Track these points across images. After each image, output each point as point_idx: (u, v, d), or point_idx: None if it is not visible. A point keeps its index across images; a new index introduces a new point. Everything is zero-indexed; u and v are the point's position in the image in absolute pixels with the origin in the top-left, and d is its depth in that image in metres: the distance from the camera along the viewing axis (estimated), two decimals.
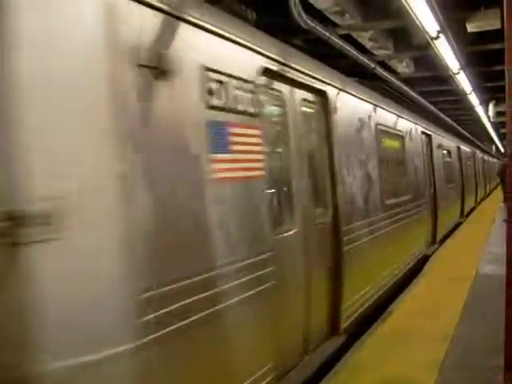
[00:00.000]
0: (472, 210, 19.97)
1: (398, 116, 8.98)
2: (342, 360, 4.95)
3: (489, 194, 30.49)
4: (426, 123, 12.18)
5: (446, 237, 12.81)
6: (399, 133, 8.95)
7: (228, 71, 3.56)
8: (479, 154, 27.29)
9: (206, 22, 3.40)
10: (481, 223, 15.42)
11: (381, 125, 7.48)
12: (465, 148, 19.75)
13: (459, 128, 22.83)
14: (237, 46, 3.79)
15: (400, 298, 7.21)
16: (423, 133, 11.41)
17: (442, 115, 17.50)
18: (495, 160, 42.44)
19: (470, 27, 7.79)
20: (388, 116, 8.18)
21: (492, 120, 17.95)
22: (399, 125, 8.95)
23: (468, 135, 26.82)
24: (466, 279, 7.92)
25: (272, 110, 4.53)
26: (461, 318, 6.06)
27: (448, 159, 15.10)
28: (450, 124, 19.82)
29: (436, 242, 11.68)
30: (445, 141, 14.70)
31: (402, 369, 4.69)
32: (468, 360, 4.84)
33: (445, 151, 14.48)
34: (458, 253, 10.55)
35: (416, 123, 10.61)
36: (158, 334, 2.71)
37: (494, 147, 42.75)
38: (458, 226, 15.10)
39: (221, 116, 3.46)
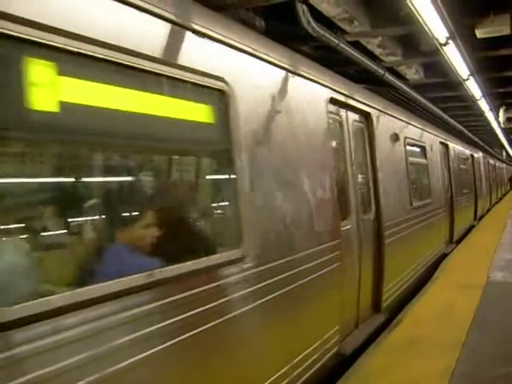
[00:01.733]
0: (485, 214, 20.40)
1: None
2: (352, 368, 4.93)
3: (500, 199, 30.40)
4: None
5: (462, 237, 13.73)
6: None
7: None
8: (490, 160, 27.37)
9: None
10: (492, 227, 15.96)
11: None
12: (477, 155, 20.51)
13: (469, 134, 22.71)
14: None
15: (410, 304, 7.17)
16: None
17: (452, 121, 17.41)
18: (504, 165, 42.23)
19: (479, 33, 7.75)
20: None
21: (502, 126, 17.85)
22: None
23: (478, 141, 26.68)
24: (477, 286, 7.86)
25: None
26: (472, 325, 6.01)
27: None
28: (460, 130, 19.73)
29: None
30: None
31: (413, 377, 4.66)
32: (479, 368, 4.80)
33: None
34: (470, 259, 10.48)
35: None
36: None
37: (504, 153, 42.46)
38: (471, 228, 15.94)
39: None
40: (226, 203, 3.93)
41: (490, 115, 16.84)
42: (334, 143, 5.66)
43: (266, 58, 4.29)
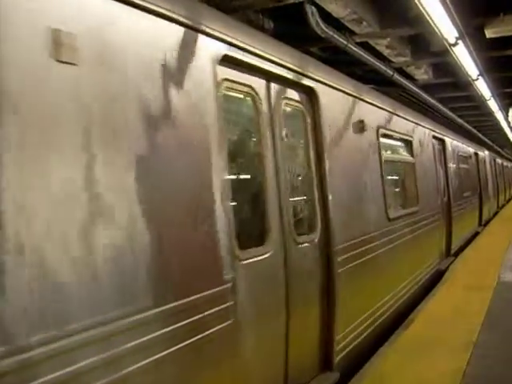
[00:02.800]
0: (492, 217, 19.34)
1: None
2: (363, 370, 4.93)
3: (509, 201, 30.02)
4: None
5: (463, 248, 12.11)
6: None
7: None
8: (499, 160, 26.83)
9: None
10: (500, 234, 14.49)
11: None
12: (482, 154, 19.13)
13: (479, 134, 22.62)
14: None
15: (420, 306, 7.16)
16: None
17: (461, 121, 17.36)
18: None
19: (489, 33, 7.73)
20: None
21: None
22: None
23: (487, 141, 26.55)
24: (487, 288, 7.83)
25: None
26: (482, 326, 5.99)
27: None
28: (469, 130, 19.66)
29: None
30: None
31: (424, 378, 4.65)
32: (490, 369, 4.78)
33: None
34: (478, 261, 10.43)
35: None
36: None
37: None
38: (475, 235, 14.46)
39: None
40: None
41: (499, 115, 16.78)
42: (225, 132, 3.55)
43: None
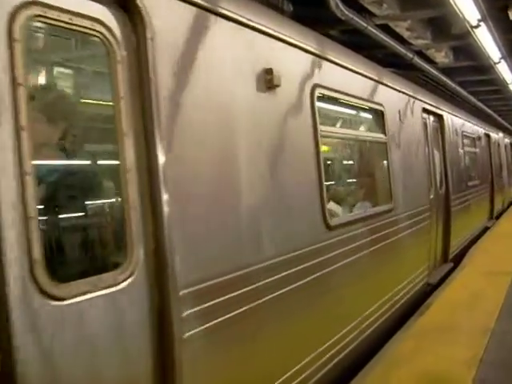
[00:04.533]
0: (506, 208, 17.43)
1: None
2: (379, 353, 4.93)
3: None
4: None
5: (467, 248, 10.14)
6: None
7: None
8: None
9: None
10: None
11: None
12: (495, 135, 16.60)
13: (499, 118, 22.29)
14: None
15: (438, 290, 7.13)
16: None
17: (480, 105, 17.10)
18: None
19: None
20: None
21: None
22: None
23: (508, 125, 26.15)
24: (507, 273, 7.76)
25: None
26: (501, 312, 5.95)
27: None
28: (489, 114, 19.37)
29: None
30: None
31: (441, 363, 4.65)
32: (508, 355, 4.76)
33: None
34: (497, 247, 10.34)
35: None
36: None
37: None
38: (485, 231, 12.63)
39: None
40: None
41: None
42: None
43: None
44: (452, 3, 6.33)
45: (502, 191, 16.64)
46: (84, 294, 2.30)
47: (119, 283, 2.46)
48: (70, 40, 2.78)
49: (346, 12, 6.44)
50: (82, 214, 2.79)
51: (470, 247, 10.26)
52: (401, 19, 8.06)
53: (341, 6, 6.25)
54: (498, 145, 17.26)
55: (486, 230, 12.83)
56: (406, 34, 8.82)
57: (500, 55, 9.63)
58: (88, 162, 2.97)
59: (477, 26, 7.33)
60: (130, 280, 2.51)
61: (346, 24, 7.01)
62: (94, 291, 2.34)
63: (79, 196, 2.75)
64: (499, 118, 22.38)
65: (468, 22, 7.15)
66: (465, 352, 4.82)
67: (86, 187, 2.81)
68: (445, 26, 8.93)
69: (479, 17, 6.96)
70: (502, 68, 10.96)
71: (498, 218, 15.05)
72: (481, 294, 6.77)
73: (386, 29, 8.16)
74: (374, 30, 7.54)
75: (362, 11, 7.15)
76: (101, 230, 2.83)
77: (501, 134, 18.65)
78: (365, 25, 7.15)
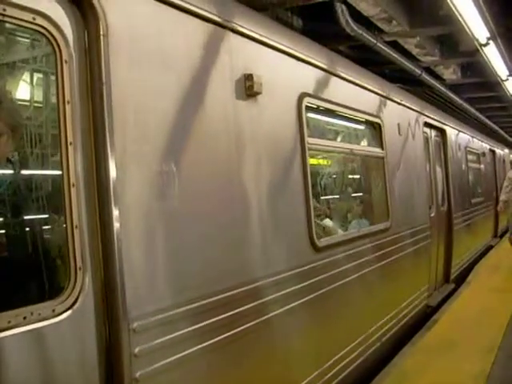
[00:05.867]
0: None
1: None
2: (386, 368, 4.94)
3: None
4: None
5: (470, 269, 9.72)
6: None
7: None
8: None
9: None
10: None
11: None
12: (501, 151, 16.57)
13: (506, 135, 22.29)
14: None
15: (445, 306, 7.13)
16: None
17: (487, 121, 17.12)
18: None
19: None
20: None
21: None
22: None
23: None
24: None
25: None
26: (507, 328, 5.95)
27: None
28: (495, 130, 19.38)
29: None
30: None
31: (448, 379, 4.65)
32: None
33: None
34: (503, 264, 10.31)
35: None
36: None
37: None
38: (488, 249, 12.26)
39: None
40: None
41: None
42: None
43: None
44: (461, 21, 6.39)
45: (508, 207, 16.26)
46: (6, 329, 1.93)
47: (58, 314, 2.11)
48: (4, 36, 2.41)
49: (356, 28, 6.51)
50: (13, 233, 2.42)
51: (472, 268, 9.86)
52: (410, 36, 8.13)
53: (351, 22, 6.33)
54: (504, 161, 17.29)
55: (489, 248, 12.51)
56: (414, 51, 8.88)
57: (508, 73, 9.68)
58: (26, 175, 2.54)
59: (486, 44, 7.37)
60: (71, 311, 2.16)
61: (355, 40, 7.09)
62: (21, 325, 1.97)
63: (9, 212, 2.35)
64: (506, 135, 22.40)
65: (477, 40, 7.20)
66: (472, 367, 4.83)
67: (17, 203, 2.42)
68: (453, 44, 9.00)
69: (488, 35, 7.01)
70: (510, 85, 11.00)
71: (502, 236, 14.45)
72: (487, 310, 6.77)
73: (394, 45, 8.24)
74: (383, 47, 7.61)
75: (371, 27, 7.22)
76: (36, 252, 2.39)
77: (506, 150, 18.61)
78: (374, 41, 7.22)
